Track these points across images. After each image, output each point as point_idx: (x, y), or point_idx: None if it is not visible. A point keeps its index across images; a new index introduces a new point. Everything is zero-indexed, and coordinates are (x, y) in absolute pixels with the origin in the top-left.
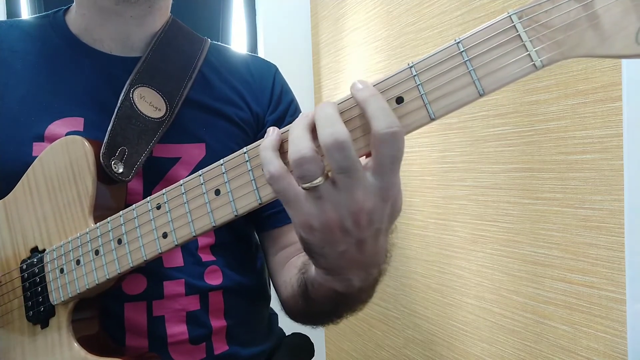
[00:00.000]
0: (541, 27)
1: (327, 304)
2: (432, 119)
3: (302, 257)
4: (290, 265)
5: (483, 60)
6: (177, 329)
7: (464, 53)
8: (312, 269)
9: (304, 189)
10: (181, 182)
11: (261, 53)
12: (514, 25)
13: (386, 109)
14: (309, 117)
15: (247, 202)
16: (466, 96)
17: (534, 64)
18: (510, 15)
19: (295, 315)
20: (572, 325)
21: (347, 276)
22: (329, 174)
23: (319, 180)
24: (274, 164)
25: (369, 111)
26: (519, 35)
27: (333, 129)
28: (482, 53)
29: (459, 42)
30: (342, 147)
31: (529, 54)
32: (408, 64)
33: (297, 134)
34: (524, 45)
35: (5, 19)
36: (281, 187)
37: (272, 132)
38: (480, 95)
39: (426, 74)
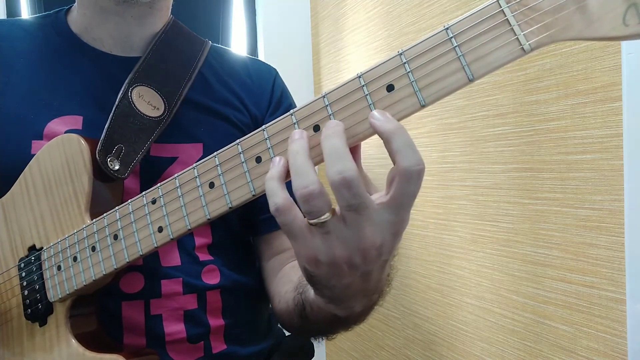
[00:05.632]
0: (529, 10)
1: (324, 325)
2: (423, 106)
3: (298, 272)
4: (285, 276)
5: (472, 46)
6: (174, 328)
7: (453, 39)
8: (312, 292)
9: (310, 224)
10: (175, 176)
11: (261, 53)
12: (502, 9)
13: (412, 144)
14: (308, 142)
15: (241, 194)
16: (456, 82)
17: (522, 48)
18: (498, 0)
19: (288, 328)
20: (572, 325)
21: (350, 304)
22: (337, 209)
23: (326, 216)
24: (279, 196)
25: (394, 146)
26: (507, 19)
27: (342, 166)
28: (471, 39)
29: (447, 29)
30: (351, 186)
31: (517, 38)
32: (398, 52)
33: (300, 162)
34: (512, 29)
35: (6, 18)
36: (287, 220)
37: (279, 162)
38: (470, 81)
39: (416, 61)
